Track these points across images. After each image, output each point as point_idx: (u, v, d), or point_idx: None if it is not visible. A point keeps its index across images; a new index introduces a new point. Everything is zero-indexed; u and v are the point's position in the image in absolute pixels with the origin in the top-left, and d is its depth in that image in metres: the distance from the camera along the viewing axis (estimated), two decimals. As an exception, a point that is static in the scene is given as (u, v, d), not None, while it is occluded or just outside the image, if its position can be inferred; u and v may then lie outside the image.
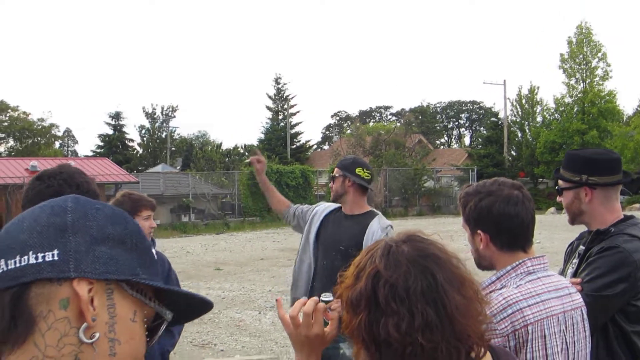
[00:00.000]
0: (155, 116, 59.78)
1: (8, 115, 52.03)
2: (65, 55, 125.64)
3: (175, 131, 61.27)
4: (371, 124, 65.75)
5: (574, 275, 2.60)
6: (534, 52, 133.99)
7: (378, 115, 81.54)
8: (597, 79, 41.67)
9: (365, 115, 77.75)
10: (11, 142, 53.72)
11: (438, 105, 79.56)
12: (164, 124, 59.78)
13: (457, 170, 42.66)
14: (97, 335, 0.90)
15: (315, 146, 65.16)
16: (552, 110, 43.98)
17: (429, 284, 1.22)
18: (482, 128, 66.52)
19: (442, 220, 29.94)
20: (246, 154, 52.70)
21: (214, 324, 9.41)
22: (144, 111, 59.60)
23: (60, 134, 62.62)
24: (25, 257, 0.89)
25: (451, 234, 18.48)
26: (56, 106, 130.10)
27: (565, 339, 1.88)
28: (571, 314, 1.92)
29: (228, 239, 24.53)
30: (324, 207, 4.14)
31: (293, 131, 53.36)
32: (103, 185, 29.25)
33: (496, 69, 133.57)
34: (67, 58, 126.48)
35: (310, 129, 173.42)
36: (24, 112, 53.28)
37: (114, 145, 53.34)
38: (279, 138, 51.27)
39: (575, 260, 2.70)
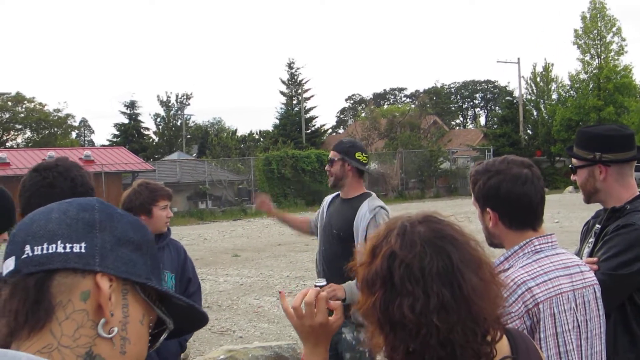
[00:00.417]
0: (170, 104, 59.77)
1: (24, 106, 52.33)
2: (79, 45, 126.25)
3: (190, 119, 61.38)
4: (385, 106, 65.40)
5: (591, 254, 2.57)
6: (548, 29, 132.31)
7: (392, 97, 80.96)
8: (612, 54, 41.14)
9: (379, 98, 77.14)
10: (28, 133, 54.11)
11: (452, 85, 78.79)
12: (179, 112, 59.85)
13: (473, 151, 42.14)
14: (116, 330, 0.93)
15: (330, 130, 64.79)
16: (568, 87, 43.50)
17: (445, 265, 1.20)
18: (497, 107, 65.78)
19: (459, 201, 29.74)
20: (261, 140, 52.75)
21: (233, 311, 9.49)
22: (158, 99, 59.55)
23: (76, 124, 62.91)
24: (53, 246, 0.92)
25: (468, 215, 17.97)
26: (72, 97, 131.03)
27: (577, 317, 1.86)
28: (582, 292, 1.90)
29: (245, 225, 24.55)
30: (327, 198, 4.22)
31: (308, 116, 53.12)
32: (120, 174, 29.55)
33: (510, 47, 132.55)
34: (81, 48, 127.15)
35: (324, 113, 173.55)
36: (40, 104, 53.56)
37: (129, 134, 53.55)
38: (293, 123, 51.12)
39: (592, 240, 2.67)
